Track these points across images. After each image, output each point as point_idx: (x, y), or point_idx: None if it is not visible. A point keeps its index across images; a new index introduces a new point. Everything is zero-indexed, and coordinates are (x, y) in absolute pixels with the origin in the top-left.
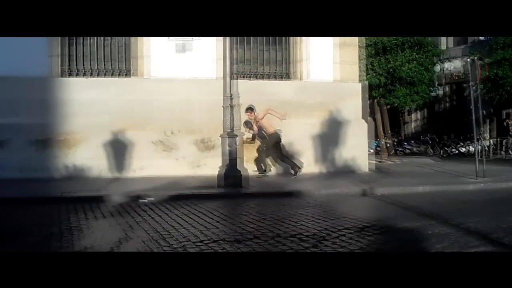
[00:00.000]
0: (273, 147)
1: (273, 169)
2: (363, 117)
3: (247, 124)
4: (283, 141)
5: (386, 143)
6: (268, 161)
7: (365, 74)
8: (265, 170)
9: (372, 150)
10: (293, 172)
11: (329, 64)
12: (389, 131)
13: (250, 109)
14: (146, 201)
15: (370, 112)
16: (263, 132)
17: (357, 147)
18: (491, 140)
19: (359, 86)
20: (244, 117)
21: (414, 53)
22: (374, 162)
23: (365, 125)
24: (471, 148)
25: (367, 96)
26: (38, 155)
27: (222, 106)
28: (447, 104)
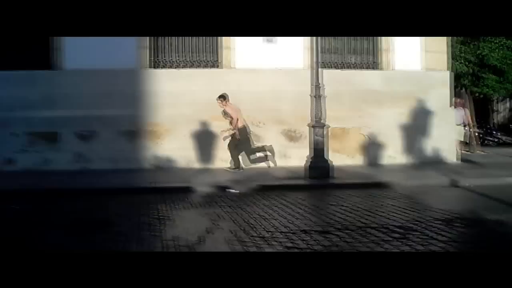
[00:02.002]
0: (244, 140)
1: (352, 161)
2: (451, 106)
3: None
4: (369, 131)
5: (474, 132)
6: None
7: (453, 62)
8: (238, 167)
9: (460, 140)
10: (233, 166)
11: (416, 53)
12: (476, 121)
13: (222, 97)
14: (234, 191)
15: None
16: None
17: (445, 137)
18: None
19: (447, 74)
20: (329, 106)
21: (504, 39)
22: (462, 152)
23: (454, 114)
24: None
25: (454, 85)
26: (128, 146)
27: (310, 96)
28: None
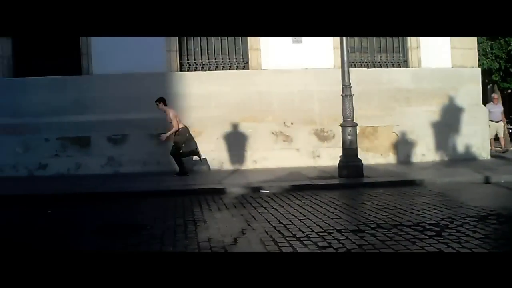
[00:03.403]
0: (185, 142)
1: (383, 159)
2: (482, 103)
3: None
4: (400, 129)
5: (508, 129)
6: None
7: (483, 58)
8: (184, 173)
9: (492, 136)
10: (178, 171)
11: (445, 50)
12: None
13: (159, 100)
14: (268, 192)
15: (489, 97)
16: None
17: (477, 134)
18: None
19: (477, 71)
20: (359, 105)
21: None
22: (495, 148)
23: (485, 111)
24: None
25: (483, 81)
26: (158, 149)
27: (341, 95)
28: None
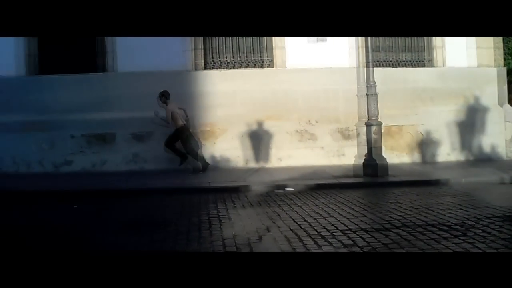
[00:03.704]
0: (186, 139)
1: (406, 158)
2: (502, 103)
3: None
4: (424, 128)
5: None
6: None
7: (504, 58)
8: (204, 163)
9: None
10: (201, 165)
11: (471, 49)
12: None
13: (163, 94)
14: (292, 189)
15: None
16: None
17: (497, 134)
18: None
19: (503, 70)
20: (383, 104)
21: None
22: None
23: (505, 111)
24: None
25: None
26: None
27: (366, 94)
28: None
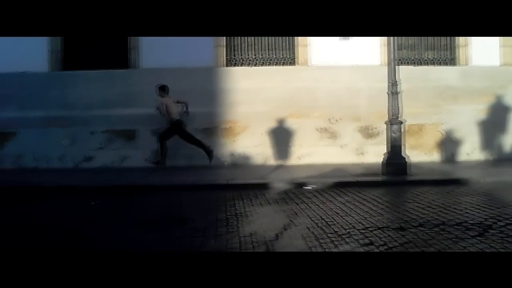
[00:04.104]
0: (183, 132)
1: (428, 157)
2: None
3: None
4: (446, 127)
5: None
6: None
7: None
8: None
9: None
10: (208, 157)
11: (494, 48)
12: None
13: (161, 88)
14: (311, 188)
15: None
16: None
17: None
18: None
19: None
20: (406, 103)
21: None
22: None
23: None
24: None
25: None
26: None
27: (387, 93)
28: None
